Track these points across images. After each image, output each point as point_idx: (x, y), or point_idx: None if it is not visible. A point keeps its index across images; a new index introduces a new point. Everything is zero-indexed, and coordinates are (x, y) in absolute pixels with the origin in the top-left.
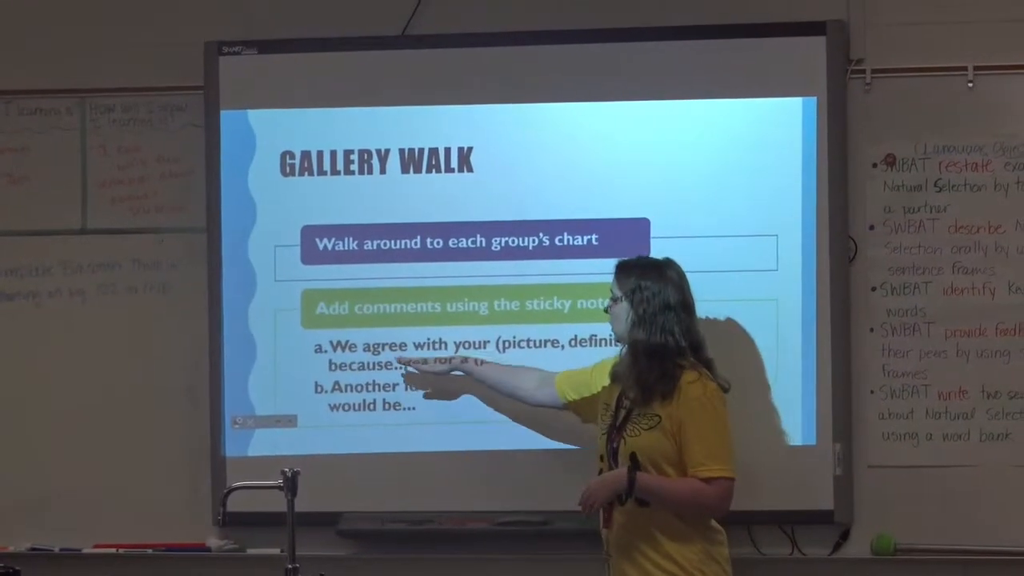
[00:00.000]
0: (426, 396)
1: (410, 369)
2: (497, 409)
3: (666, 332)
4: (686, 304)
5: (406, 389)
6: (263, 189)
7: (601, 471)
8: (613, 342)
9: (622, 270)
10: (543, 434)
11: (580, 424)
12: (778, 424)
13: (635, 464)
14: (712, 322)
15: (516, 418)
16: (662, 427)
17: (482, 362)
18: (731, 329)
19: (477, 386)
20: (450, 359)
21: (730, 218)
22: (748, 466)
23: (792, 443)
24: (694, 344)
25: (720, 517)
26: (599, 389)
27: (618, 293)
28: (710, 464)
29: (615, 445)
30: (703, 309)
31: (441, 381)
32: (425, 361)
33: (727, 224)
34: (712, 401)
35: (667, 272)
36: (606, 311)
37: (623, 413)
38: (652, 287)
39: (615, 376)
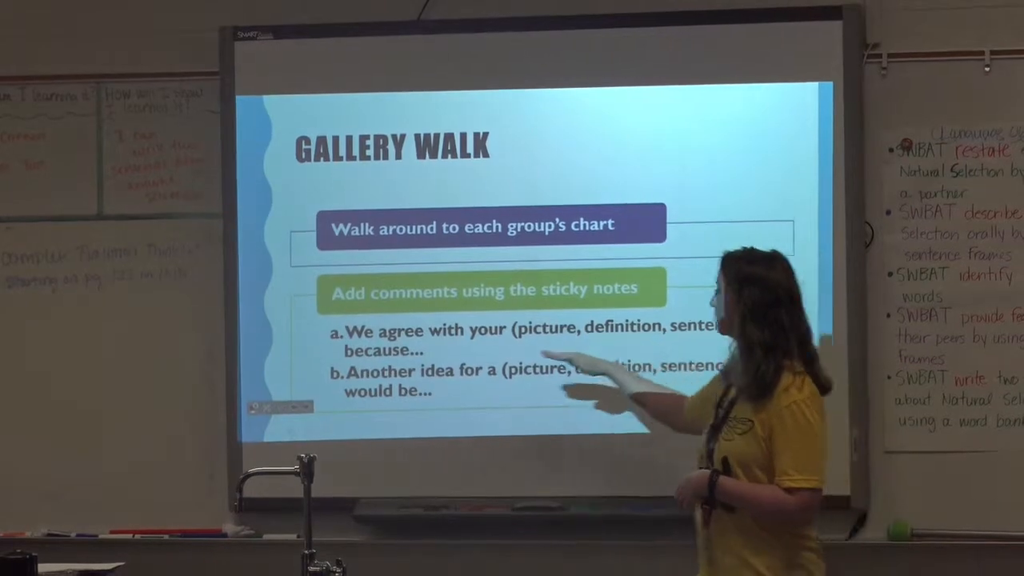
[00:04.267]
0: (596, 408)
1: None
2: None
3: (776, 327)
4: (793, 297)
5: (420, 375)
6: (279, 174)
7: (701, 469)
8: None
9: (728, 263)
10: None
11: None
12: None
13: (725, 469)
14: None
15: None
16: (754, 432)
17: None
18: None
19: (637, 408)
20: (597, 362)
21: (746, 203)
22: None
23: None
24: (802, 338)
25: (805, 526)
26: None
27: (724, 286)
28: (794, 474)
29: (712, 447)
30: None
31: (604, 393)
32: (571, 358)
33: (743, 209)
34: (803, 408)
35: (775, 265)
36: (712, 304)
37: (721, 413)
38: (762, 280)
39: (725, 373)
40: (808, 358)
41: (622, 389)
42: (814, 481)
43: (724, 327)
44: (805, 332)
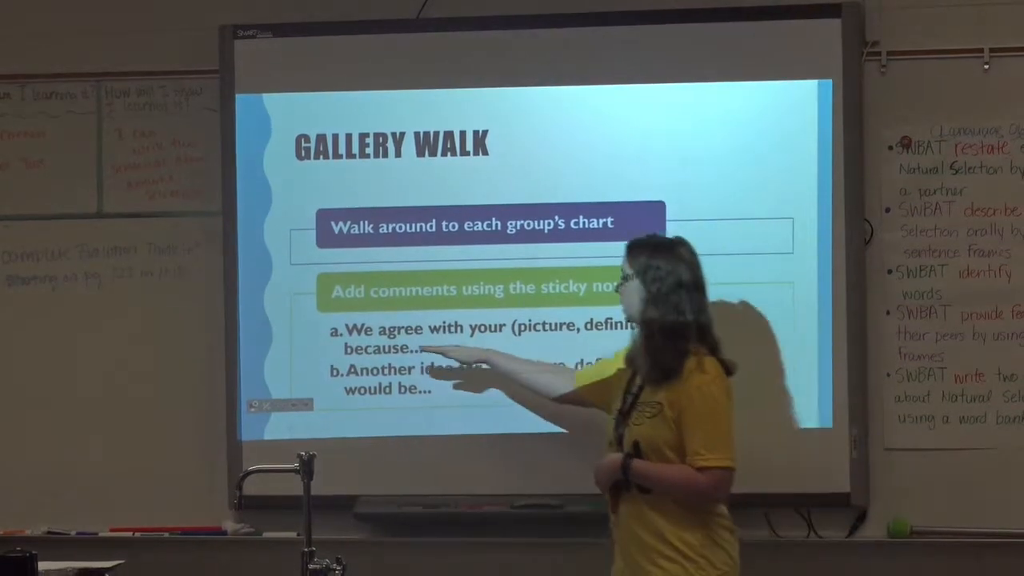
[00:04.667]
0: (455, 387)
1: (434, 360)
2: (523, 404)
3: (677, 311)
4: (698, 283)
5: (420, 373)
6: (278, 173)
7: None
8: (628, 325)
9: (633, 249)
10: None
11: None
12: (794, 407)
13: (636, 452)
14: (728, 305)
15: (536, 410)
16: (663, 415)
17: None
18: (746, 312)
19: (502, 380)
20: (473, 350)
21: (746, 201)
22: (764, 450)
23: (808, 426)
24: (704, 324)
25: (718, 503)
26: (612, 373)
27: (629, 272)
28: (705, 454)
29: (621, 432)
30: (719, 292)
31: (467, 373)
32: (446, 350)
33: (743, 207)
34: (712, 389)
35: (679, 250)
36: (617, 290)
37: (630, 399)
38: (665, 266)
39: (629, 359)
40: (711, 344)
41: (503, 372)
42: (725, 460)
43: (631, 314)
44: (708, 319)
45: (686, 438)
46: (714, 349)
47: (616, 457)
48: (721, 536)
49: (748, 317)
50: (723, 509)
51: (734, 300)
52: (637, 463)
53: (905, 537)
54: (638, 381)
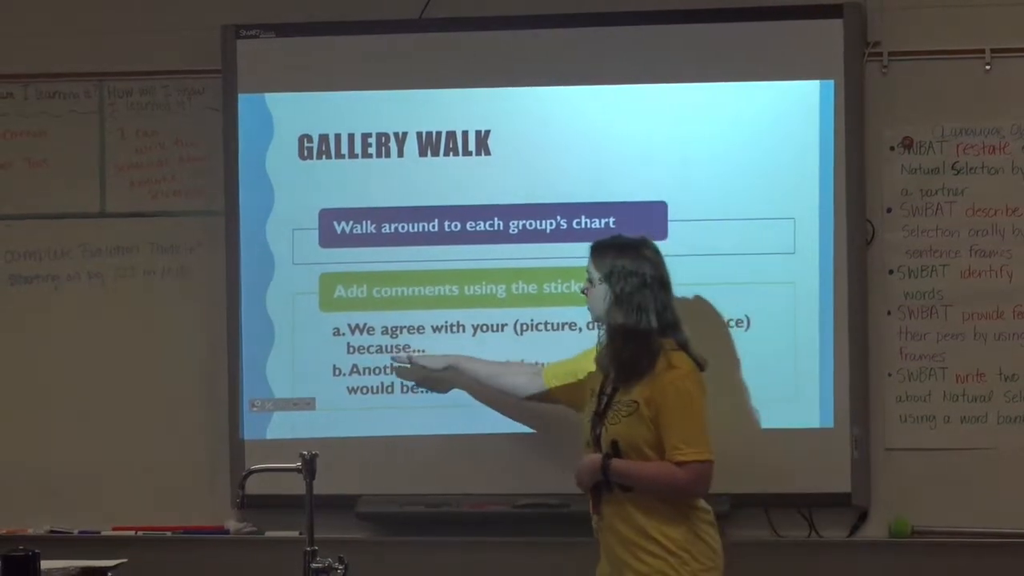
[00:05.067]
0: (417, 385)
1: (402, 363)
2: (485, 403)
3: (642, 311)
4: (663, 282)
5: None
6: (281, 172)
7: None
8: (593, 326)
9: (597, 251)
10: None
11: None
12: (794, 407)
13: (615, 451)
14: (729, 305)
15: (501, 409)
16: (639, 413)
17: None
18: (749, 312)
19: (466, 380)
20: (438, 357)
21: (747, 201)
22: (765, 450)
23: (809, 426)
24: (670, 323)
25: (700, 497)
26: (584, 376)
27: (595, 275)
28: (684, 448)
29: (598, 432)
30: (721, 292)
31: (431, 373)
32: (413, 358)
33: (744, 207)
34: (686, 385)
35: (643, 251)
36: (583, 292)
37: (605, 399)
38: (628, 266)
39: (598, 361)
40: (679, 341)
41: (469, 376)
42: (704, 453)
43: (597, 316)
44: (675, 318)
45: (664, 434)
46: (684, 345)
47: (596, 458)
48: (703, 530)
49: (750, 317)
50: (704, 504)
51: (734, 300)
52: (616, 462)
53: (906, 537)
54: (611, 381)
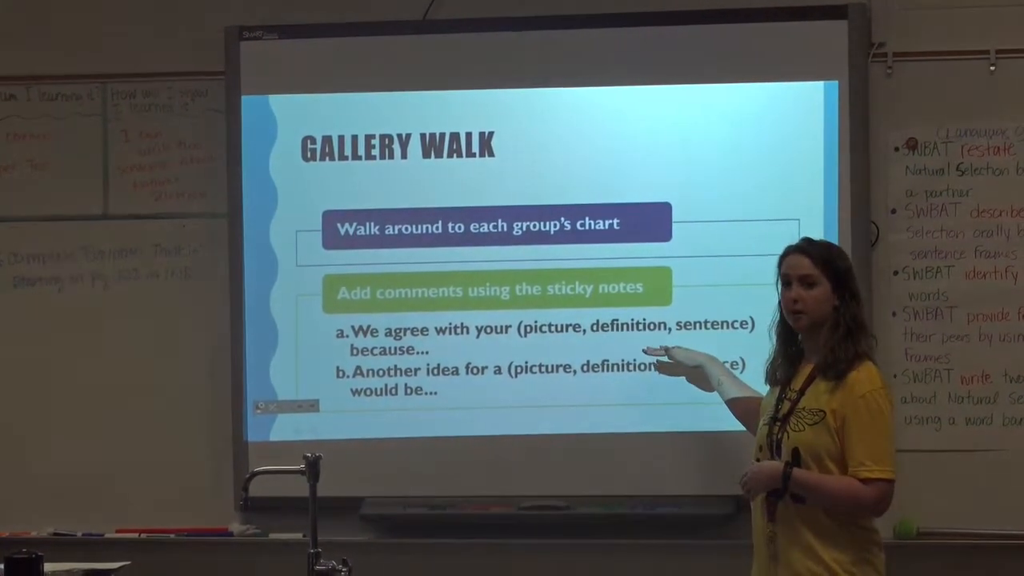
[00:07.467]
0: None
1: (658, 355)
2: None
3: (861, 309)
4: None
5: (426, 374)
6: (284, 174)
7: (758, 460)
8: (769, 334)
9: (815, 250)
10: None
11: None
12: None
13: (795, 459)
14: (733, 307)
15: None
16: (825, 423)
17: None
18: (753, 314)
19: (705, 382)
20: (697, 354)
21: (752, 202)
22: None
23: None
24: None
25: (878, 516)
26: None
27: (814, 271)
28: (871, 465)
29: (778, 437)
30: (725, 293)
31: (677, 368)
32: (671, 352)
33: (749, 208)
34: (877, 398)
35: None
36: (811, 286)
37: (787, 405)
38: (850, 266)
39: (770, 373)
40: (869, 347)
41: (716, 386)
42: (889, 472)
43: (805, 320)
44: (866, 327)
45: (849, 448)
46: (869, 353)
47: (775, 465)
48: (872, 552)
49: (757, 318)
50: (875, 524)
51: (744, 300)
52: (799, 472)
53: (911, 538)
54: (794, 388)
